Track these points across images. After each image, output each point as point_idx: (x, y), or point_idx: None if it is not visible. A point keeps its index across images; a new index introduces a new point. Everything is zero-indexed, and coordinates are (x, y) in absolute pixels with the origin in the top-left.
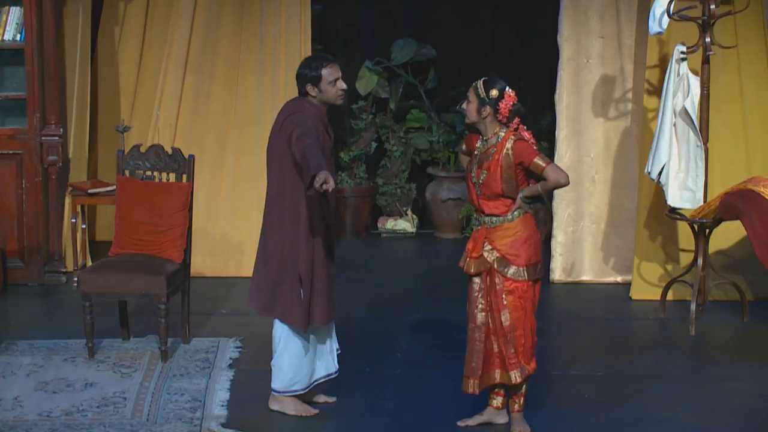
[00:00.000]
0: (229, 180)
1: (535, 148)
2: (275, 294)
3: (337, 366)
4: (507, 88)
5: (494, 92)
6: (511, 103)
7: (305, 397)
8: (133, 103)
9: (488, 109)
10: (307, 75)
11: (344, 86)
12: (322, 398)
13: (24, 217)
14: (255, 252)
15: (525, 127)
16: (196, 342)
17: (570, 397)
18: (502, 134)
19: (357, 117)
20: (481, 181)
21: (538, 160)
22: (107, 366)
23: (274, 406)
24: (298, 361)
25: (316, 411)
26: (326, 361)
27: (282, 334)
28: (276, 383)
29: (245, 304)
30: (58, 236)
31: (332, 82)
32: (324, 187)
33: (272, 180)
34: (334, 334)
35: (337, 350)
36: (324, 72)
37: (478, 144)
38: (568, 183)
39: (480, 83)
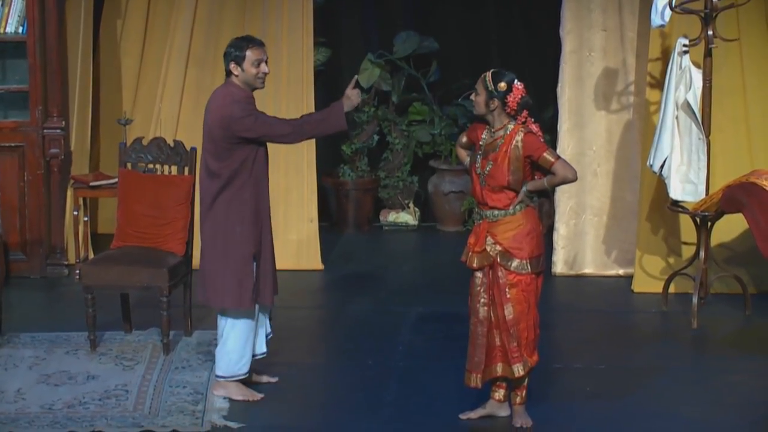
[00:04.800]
0: None
1: (543, 141)
2: (218, 279)
3: (265, 349)
4: (515, 81)
5: (502, 85)
6: (519, 96)
7: (245, 378)
8: (135, 95)
9: (496, 102)
10: (231, 53)
11: (266, 70)
12: (264, 378)
13: (26, 209)
14: None
15: (533, 120)
16: (198, 334)
17: (572, 390)
18: (511, 126)
19: (359, 110)
20: (486, 172)
21: (548, 155)
22: (109, 359)
23: (220, 392)
24: (243, 345)
25: (262, 395)
26: (258, 340)
27: (228, 320)
28: (221, 370)
29: (198, 301)
30: (60, 229)
31: (255, 63)
32: (356, 99)
33: (211, 164)
34: (268, 318)
35: (269, 335)
36: (248, 52)
37: (484, 135)
38: (576, 179)
39: (488, 75)
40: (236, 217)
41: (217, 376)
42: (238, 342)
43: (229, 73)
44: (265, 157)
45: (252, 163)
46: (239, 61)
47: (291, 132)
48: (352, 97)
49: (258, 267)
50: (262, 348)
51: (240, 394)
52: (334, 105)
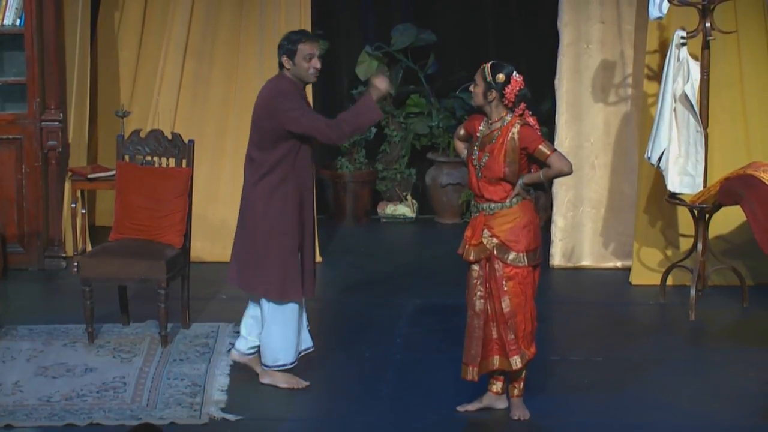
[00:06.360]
0: (229, 165)
1: (539, 134)
2: (261, 270)
3: (311, 342)
4: (514, 73)
5: (501, 76)
6: (518, 88)
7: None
8: (132, 88)
9: (494, 93)
10: (284, 46)
11: (318, 65)
12: (259, 368)
13: (24, 202)
14: None
15: (530, 113)
16: (196, 327)
17: (569, 383)
18: (508, 119)
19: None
20: (482, 164)
21: (543, 148)
22: (107, 351)
23: (265, 380)
24: (289, 334)
25: (307, 383)
26: (304, 334)
27: (269, 309)
28: (266, 359)
29: (226, 281)
30: (57, 221)
31: (307, 57)
32: (382, 85)
33: (252, 153)
34: (305, 310)
35: (307, 326)
36: (301, 46)
37: (481, 126)
38: (571, 172)
39: (487, 67)
40: (278, 209)
41: (264, 365)
42: (283, 331)
43: (281, 65)
44: (308, 152)
45: (294, 158)
46: (291, 55)
47: (331, 132)
48: (377, 84)
49: (302, 260)
50: (308, 342)
51: (286, 382)
52: (364, 97)
